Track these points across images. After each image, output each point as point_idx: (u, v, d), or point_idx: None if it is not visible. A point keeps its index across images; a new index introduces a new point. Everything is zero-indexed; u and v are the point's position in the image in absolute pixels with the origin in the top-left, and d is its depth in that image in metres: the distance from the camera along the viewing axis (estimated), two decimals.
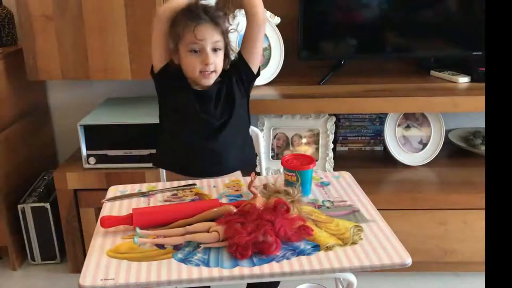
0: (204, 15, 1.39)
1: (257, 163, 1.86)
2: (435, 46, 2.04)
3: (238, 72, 1.49)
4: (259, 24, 1.45)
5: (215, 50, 1.40)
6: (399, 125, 2.06)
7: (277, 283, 1.57)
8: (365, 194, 1.28)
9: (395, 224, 1.20)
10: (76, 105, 2.31)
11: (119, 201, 1.26)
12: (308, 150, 2.00)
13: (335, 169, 1.97)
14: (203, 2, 1.44)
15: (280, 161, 1.34)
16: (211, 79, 1.43)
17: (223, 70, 1.48)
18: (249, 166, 1.57)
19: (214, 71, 1.42)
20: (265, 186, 1.19)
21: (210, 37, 1.38)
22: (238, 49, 1.52)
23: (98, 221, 1.12)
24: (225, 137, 1.47)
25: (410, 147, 2.07)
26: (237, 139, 1.52)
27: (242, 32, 1.56)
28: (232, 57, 1.51)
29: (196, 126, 1.46)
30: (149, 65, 1.48)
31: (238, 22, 1.81)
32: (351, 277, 1.07)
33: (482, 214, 1.79)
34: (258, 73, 1.53)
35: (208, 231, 1.06)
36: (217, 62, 1.42)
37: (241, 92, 1.50)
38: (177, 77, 1.46)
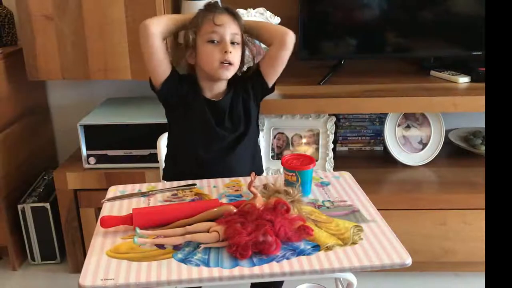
0: (223, 8, 1.41)
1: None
2: (435, 46, 2.03)
3: (254, 83, 1.48)
4: (288, 48, 1.45)
5: (232, 43, 1.39)
6: (399, 125, 2.06)
7: (281, 282, 1.56)
8: (365, 194, 1.28)
9: (395, 224, 1.20)
10: (76, 105, 2.31)
11: (119, 201, 1.26)
12: (308, 150, 2.00)
13: (335, 169, 1.97)
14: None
15: (280, 161, 1.34)
16: (229, 72, 1.40)
17: (237, 79, 1.47)
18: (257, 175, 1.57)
19: (232, 64, 1.39)
20: (265, 186, 1.19)
21: (229, 26, 1.38)
22: (258, 61, 1.50)
23: (98, 221, 1.12)
24: (239, 150, 1.46)
25: (410, 147, 2.07)
26: (250, 151, 1.52)
27: None
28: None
29: (211, 140, 1.45)
30: None
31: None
32: (351, 277, 1.07)
33: (482, 214, 1.79)
34: (273, 88, 1.51)
35: (208, 231, 1.06)
36: (235, 55, 1.39)
37: (255, 103, 1.50)
38: (187, 82, 1.45)
